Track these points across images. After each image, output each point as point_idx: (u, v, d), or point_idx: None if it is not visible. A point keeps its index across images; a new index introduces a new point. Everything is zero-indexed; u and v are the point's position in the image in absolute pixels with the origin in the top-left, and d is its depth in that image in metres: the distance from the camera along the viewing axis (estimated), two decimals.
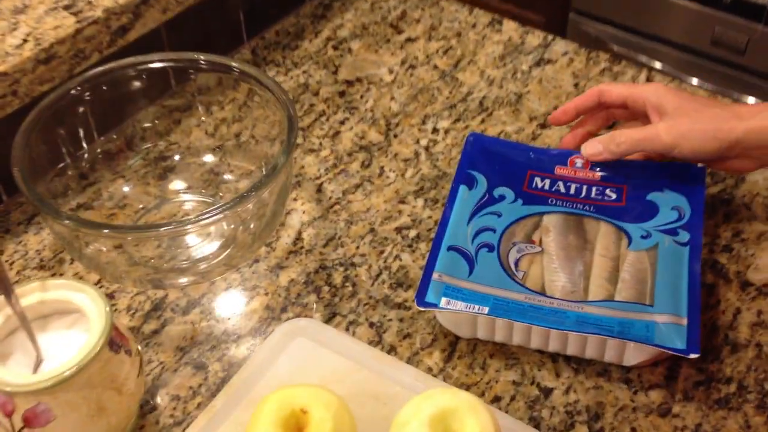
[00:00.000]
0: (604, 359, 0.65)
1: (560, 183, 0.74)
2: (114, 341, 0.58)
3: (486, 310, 0.64)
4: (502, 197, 0.73)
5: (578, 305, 0.64)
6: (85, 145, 0.77)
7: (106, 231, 0.67)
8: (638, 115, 0.73)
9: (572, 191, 0.74)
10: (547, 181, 0.75)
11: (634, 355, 0.63)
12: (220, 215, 0.64)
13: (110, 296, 0.72)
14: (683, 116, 0.68)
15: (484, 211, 0.72)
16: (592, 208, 0.72)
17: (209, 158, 0.81)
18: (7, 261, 0.74)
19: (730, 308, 0.69)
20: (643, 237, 0.69)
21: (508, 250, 0.69)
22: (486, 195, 0.73)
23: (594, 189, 0.74)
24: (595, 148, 0.73)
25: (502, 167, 0.76)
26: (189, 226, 0.66)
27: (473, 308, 0.64)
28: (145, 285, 0.71)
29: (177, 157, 0.81)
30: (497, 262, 0.68)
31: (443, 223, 0.71)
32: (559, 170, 0.76)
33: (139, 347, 0.61)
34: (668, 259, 0.67)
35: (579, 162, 0.76)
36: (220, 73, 0.77)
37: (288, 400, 0.56)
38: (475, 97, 0.90)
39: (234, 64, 0.76)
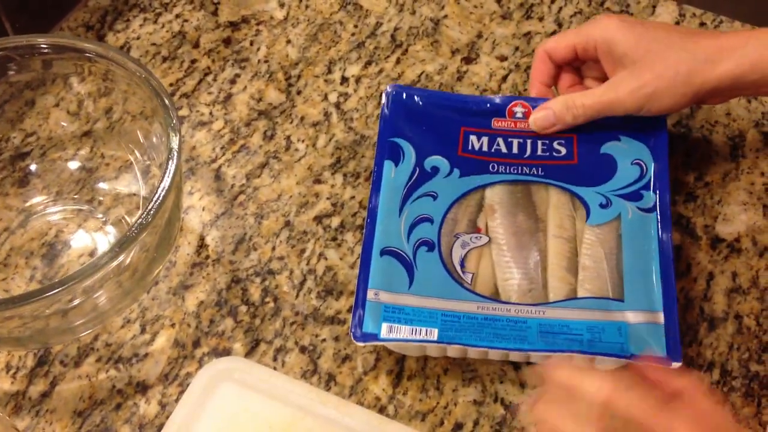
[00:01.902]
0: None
1: (500, 140, 0.64)
2: None
3: (435, 333, 0.54)
4: (435, 170, 0.62)
5: (539, 309, 0.55)
6: None
7: None
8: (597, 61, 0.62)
9: (515, 150, 0.63)
10: (485, 140, 0.64)
11: (608, 364, 0.55)
12: (106, 262, 0.51)
13: None
14: (644, 68, 0.58)
15: (416, 193, 0.61)
16: (539, 170, 0.62)
17: (77, 151, 0.67)
18: None
19: (702, 274, 0.62)
20: (602, 206, 0.60)
21: (451, 245, 0.58)
22: (416, 170, 0.62)
23: (540, 144, 0.63)
24: (546, 119, 0.62)
25: (431, 127, 0.65)
26: (58, 291, 0.52)
27: (420, 333, 0.54)
28: (21, 346, 0.58)
29: (37, 155, 0.67)
30: (440, 264, 0.57)
31: (371, 218, 0.60)
32: (498, 123, 0.65)
33: (29, 422, 0.50)
34: (634, 235, 0.58)
35: (520, 110, 0.65)
36: (66, 51, 0.62)
37: None
38: (385, 29, 0.77)
39: (76, 45, 0.61)
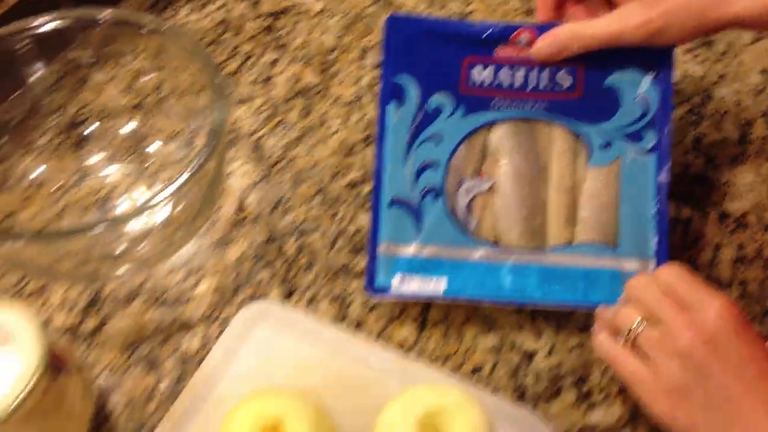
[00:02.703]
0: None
1: (504, 71, 0.64)
2: (54, 362, 0.51)
3: (442, 284, 0.59)
4: (438, 111, 0.63)
5: (538, 256, 0.60)
6: None
7: (15, 242, 0.58)
8: None
9: (518, 82, 0.63)
10: (489, 70, 0.64)
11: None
12: (154, 204, 0.56)
13: (38, 293, 0.64)
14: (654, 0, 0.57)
15: (421, 136, 0.63)
16: (543, 105, 0.63)
17: (129, 121, 0.72)
18: None
19: (709, 245, 0.66)
20: (603, 147, 0.62)
21: (456, 191, 0.62)
22: (420, 111, 0.63)
23: (544, 74, 0.63)
24: (552, 46, 0.61)
25: (434, 60, 0.63)
26: (120, 223, 0.58)
27: (429, 285, 0.59)
28: (77, 280, 0.63)
29: (92, 123, 0.72)
30: (446, 212, 0.61)
31: (378, 167, 0.62)
32: (502, 51, 0.64)
33: (81, 352, 0.54)
34: (632, 179, 0.61)
35: (524, 38, 0.64)
36: (123, 26, 0.68)
37: (259, 414, 0.50)
38: None
39: (132, 18, 0.66)
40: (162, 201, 0.57)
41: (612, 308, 0.53)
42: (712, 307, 0.48)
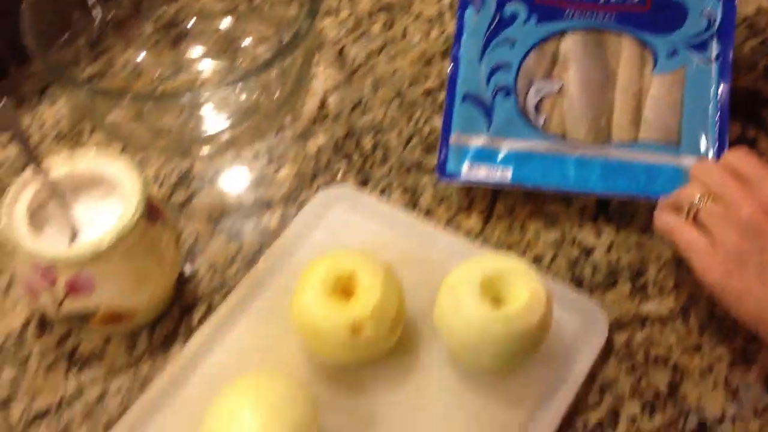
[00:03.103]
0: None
1: None
2: (150, 211, 0.56)
3: (509, 172, 0.63)
4: (513, 17, 0.67)
5: (603, 150, 0.63)
6: (94, 13, 0.73)
7: (124, 99, 0.64)
8: None
9: None
10: None
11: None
12: (242, 82, 0.61)
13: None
14: None
15: (495, 39, 0.67)
16: (613, 17, 0.66)
17: (224, 22, 0.77)
18: None
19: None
20: (669, 55, 0.65)
21: (527, 91, 0.65)
22: (496, 17, 0.67)
23: None
24: None
25: None
26: (208, 94, 0.63)
27: (496, 173, 0.63)
28: (170, 154, 0.69)
29: (190, 22, 0.77)
30: (516, 108, 0.65)
31: (454, 65, 0.67)
32: None
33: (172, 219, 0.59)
34: (695, 85, 0.64)
35: None
36: None
37: (335, 265, 0.54)
38: None
39: None
40: (248, 80, 0.61)
41: (674, 191, 0.56)
42: None
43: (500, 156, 0.63)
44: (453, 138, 0.64)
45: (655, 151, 0.63)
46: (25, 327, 0.61)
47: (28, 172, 0.55)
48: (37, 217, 0.55)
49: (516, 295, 0.52)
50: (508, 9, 0.67)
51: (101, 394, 0.58)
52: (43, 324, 0.61)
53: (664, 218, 0.55)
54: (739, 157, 0.54)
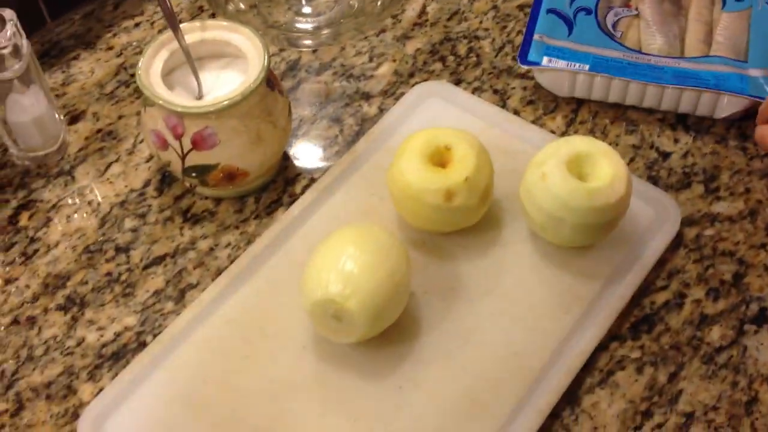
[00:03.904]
0: (696, 113, 0.68)
1: None
2: (270, 80, 0.62)
3: (586, 67, 0.67)
4: None
5: (675, 61, 0.68)
6: None
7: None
8: None
9: None
10: None
11: (728, 107, 0.66)
12: None
13: None
14: None
15: None
16: None
17: None
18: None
19: None
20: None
21: (606, 14, 0.71)
22: None
23: None
24: None
25: None
26: None
27: (574, 66, 0.67)
28: (281, 43, 0.74)
29: None
30: (595, 23, 0.70)
31: None
32: None
33: None
34: (761, 22, 0.69)
35: None
36: None
37: (433, 138, 0.60)
38: None
39: None
40: None
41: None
42: None
43: (578, 55, 0.69)
44: (536, 37, 0.70)
45: (723, 64, 0.67)
46: (146, 185, 0.68)
47: (166, 34, 0.61)
48: (168, 79, 0.62)
49: (599, 173, 0.57)
50: None
51: (212, 246, 0.64)
52: (162, 185, 0.68)
53: (762, 131, 0.57)
54: None
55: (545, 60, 0.68)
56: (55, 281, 0.63)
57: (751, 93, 0.65)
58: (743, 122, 0.68)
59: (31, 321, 0.61)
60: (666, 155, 0.68)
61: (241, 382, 0.56)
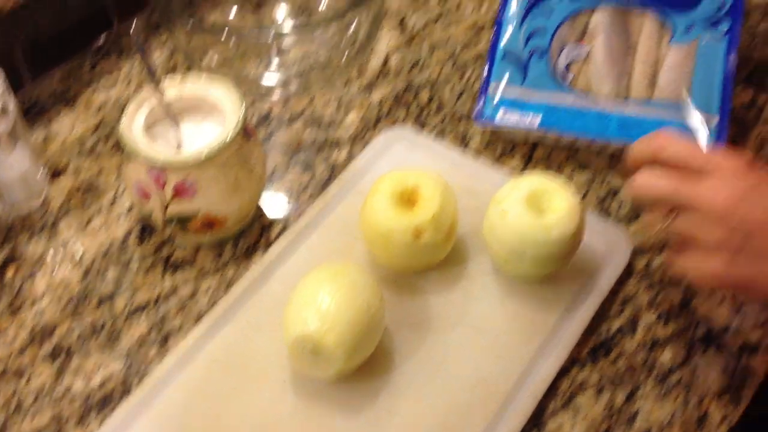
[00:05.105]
0: None
1: None
2: (246, 129, 0.66)
3: (538, 119, 0.72)
4: None
5: (621, 106, 0.73)
6: None
7: (221, 34, 0.74)
8: None
9: None
10: None
11: None
12: (318, 31, 0.72)
13: None
14: None
15: (535, 9, 0.78)
16: None
17: None
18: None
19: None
20: (685, 30, 0.76)
21: (558, 54, 0.76)
22: None
23: None
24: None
25: None
26: (288, 34, 0.75)
27: (526, 119, 0.73)
28: (253, 95, 0.79)
29: None
30: (548, 67, 0.76)
31: (498, 27, 0.78)
32: None
33: None
34: (706, 57, 0.75)
35: None
36: None
37: (401, 179, 0.64)
38: None
39: None
40: (324, 29, 0.72)
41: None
42: (727, 167, 0.52)
43: (531, 106, 0.74)
44: (491, 88, 0.74)
45: (666, 108, 0.73)
46: (127, 236, 0.71)
47: (146, 91, 0.65)
48: (150, 132, 0.66)
49: (555, 208, 0.62)
50: None
51: (193, 291, 0.68)
52: (143, 235, 0.71)
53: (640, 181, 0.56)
54: (678, 148, 0.54)
55: (500, 114, 0.74)
56: (41, 332, 0.66)
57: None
58: None
59: (19, 372, 0.63)
60: (616, 191, 0.73)
61: (225, 422, 0.59)
